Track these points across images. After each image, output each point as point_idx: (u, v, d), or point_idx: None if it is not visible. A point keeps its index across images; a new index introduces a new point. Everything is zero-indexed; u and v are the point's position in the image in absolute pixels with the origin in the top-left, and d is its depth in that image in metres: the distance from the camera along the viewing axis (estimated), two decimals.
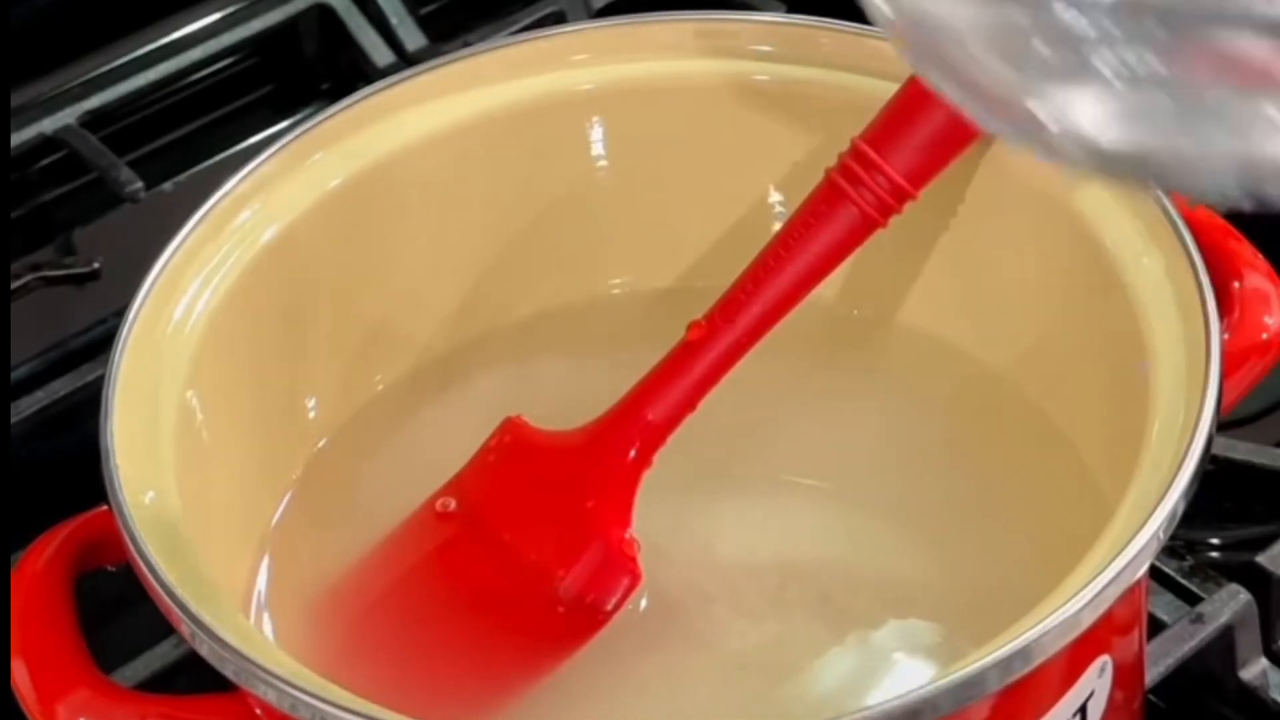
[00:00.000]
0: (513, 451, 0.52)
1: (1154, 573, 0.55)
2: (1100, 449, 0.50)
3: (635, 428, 0.51)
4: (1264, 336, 0.50)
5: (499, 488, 0.52)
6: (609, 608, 0.49)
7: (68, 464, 0.51)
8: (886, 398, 0.55)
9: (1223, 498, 0.60)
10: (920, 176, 0.51)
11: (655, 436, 0.51)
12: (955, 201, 0.54)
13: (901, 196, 0.50)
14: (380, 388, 0.56)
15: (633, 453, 0.50)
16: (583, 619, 0.50)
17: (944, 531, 0.52)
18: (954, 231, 0.54)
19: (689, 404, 0.51)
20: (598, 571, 0.50)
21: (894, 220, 0.51)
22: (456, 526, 0.52)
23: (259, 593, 0.52)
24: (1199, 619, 0.55)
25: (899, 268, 0.55)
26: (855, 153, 0.51)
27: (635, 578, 0.49)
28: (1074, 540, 0.44)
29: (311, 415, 0.55)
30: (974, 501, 0.52)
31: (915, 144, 0.50)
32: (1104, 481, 0.49)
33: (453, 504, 0.52)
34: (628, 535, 0.50)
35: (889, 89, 0.51)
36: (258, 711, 0.45)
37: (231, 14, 0.79)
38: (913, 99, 0.50)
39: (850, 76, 0.54)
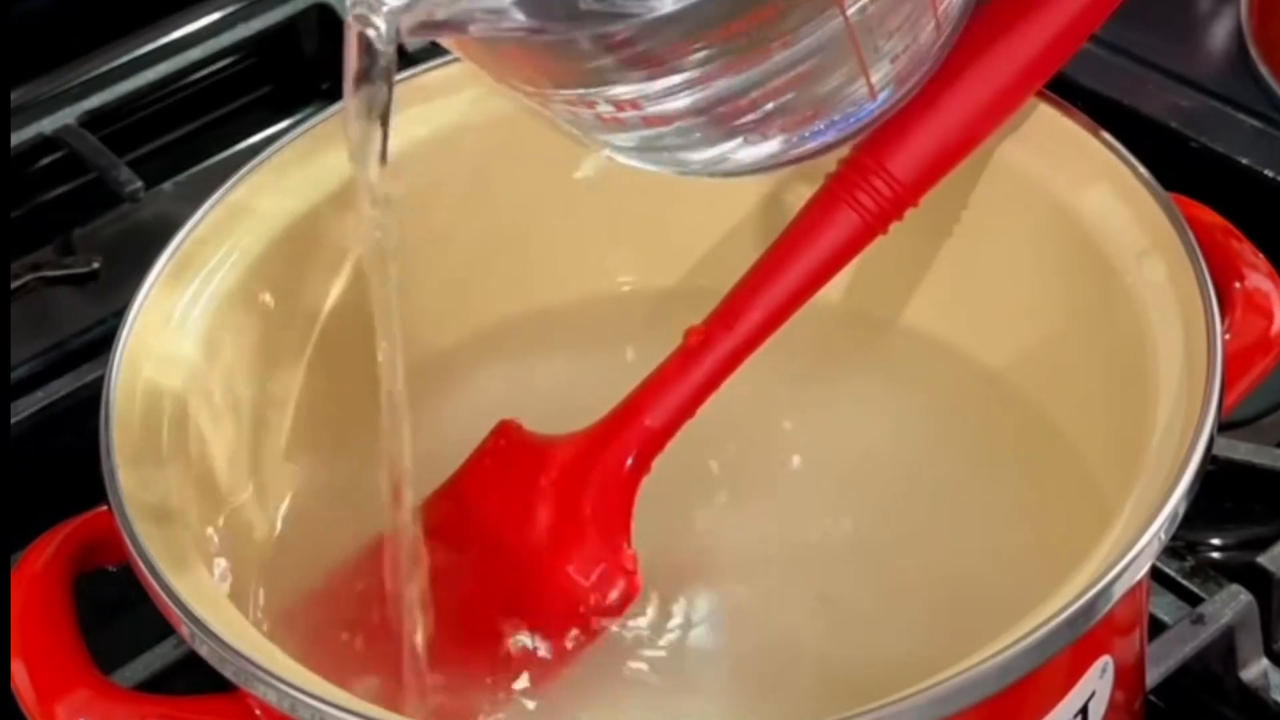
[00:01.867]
0: (508, 455, 0.52)
1: (1155, 573, 0.55)
2: (1100, 449, 0.50)
3: (633, 434, 0.50)
4: (1266, 336, 0.50)
5: (493, 492, 0.51)
6: (606, 615, 0.49)
7: (68, 464, 0.51)
8: (887, 398, 0.55)
9: (1223, 498, 0.60)
10: (921, 184, 0.50)
11: (654, 443, 0.50)
12: (957, 204, 0.53)
13: (902, 204, 0.50)
14: (380, 387, 0.56)
15: (631, 459, 0.50)
16: (579, 626, 0.49)
17: (944, 532, 0.52)
18: (956, 233, 0.54)
19: (688, 411, 0.50)
20: (595, 580, 0.49)
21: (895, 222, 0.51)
22: (451, 531, 0.51)
23: (259, 593, 0.52)
24: (1200, 620, 0.55)
25: (901, 269, 0.55)
26: (855, 160, 0.50)
27: (633, 588, 0.49)
28: (1074, 541, 0.44)
29: (311, 415, 0.54)
30: (974, 502, 0.52)
31: (916, 152, 0.50)
32: (1104, 481, 0.49)
33: (448, 508, 0.52)
34: (626, 545, 0.49)
35: None
36: (257, 712, 0.45)
37: (231, 14, 0.79)
38: (913, 108, 0.50)
39: None
